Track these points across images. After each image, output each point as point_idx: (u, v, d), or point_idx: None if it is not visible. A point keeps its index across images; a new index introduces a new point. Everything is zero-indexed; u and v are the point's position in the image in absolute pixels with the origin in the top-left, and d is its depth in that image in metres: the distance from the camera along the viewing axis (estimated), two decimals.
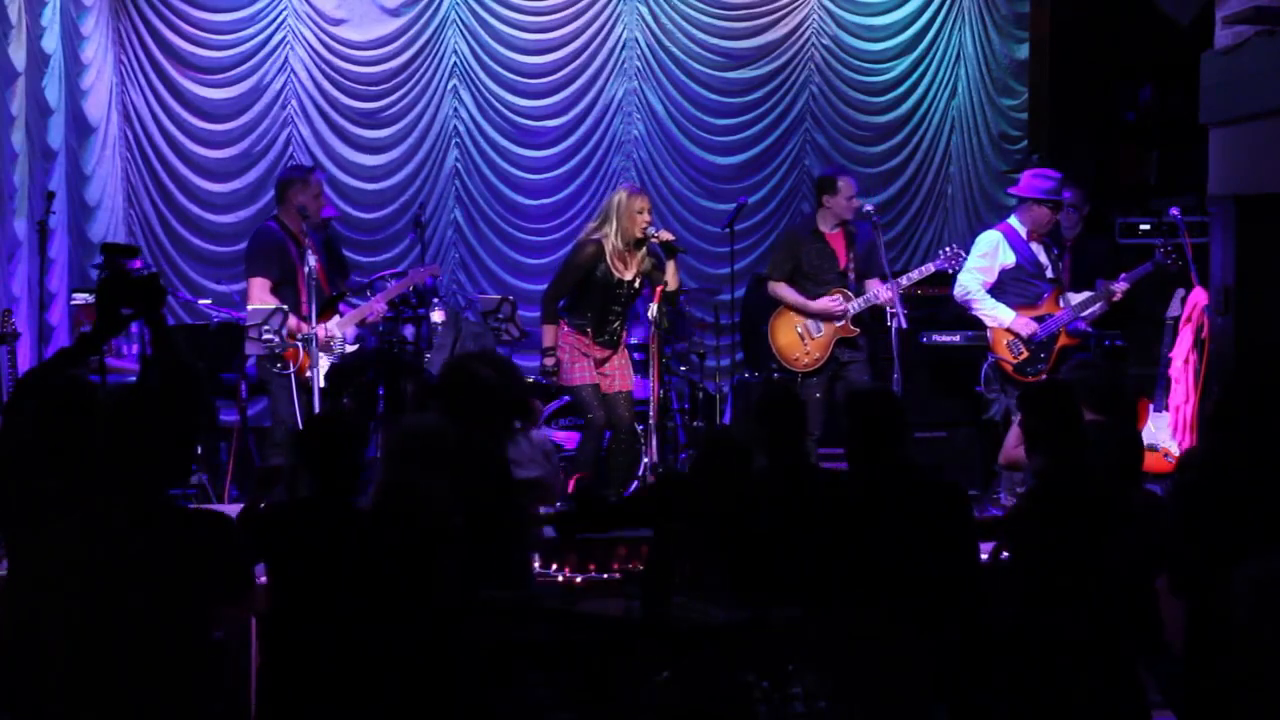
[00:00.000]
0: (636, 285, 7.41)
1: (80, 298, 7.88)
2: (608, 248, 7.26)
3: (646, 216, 7.31)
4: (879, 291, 7.54)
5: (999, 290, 7.51)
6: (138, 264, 7.94)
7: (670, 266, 7.35)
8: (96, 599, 3.33)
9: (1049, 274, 7.57)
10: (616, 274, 7.29)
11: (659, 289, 7.62)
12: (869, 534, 4.59)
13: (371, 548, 4.29)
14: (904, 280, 7.50)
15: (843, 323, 7.58)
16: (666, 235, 7.38)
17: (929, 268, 7.63)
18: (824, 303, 7.59)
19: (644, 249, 7.37)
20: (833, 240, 7.67)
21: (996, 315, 7.45)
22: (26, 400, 3.84)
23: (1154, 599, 4.95)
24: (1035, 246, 7.56)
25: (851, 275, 7.65)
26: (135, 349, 7.98)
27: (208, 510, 3.56)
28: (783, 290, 7.70)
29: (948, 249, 7.69)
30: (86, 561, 3.35)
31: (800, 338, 7.64)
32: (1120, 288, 7.55)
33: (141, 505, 3.44)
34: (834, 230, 7.68)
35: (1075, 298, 7.62)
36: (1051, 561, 4.51)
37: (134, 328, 7.53)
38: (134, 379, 7.73)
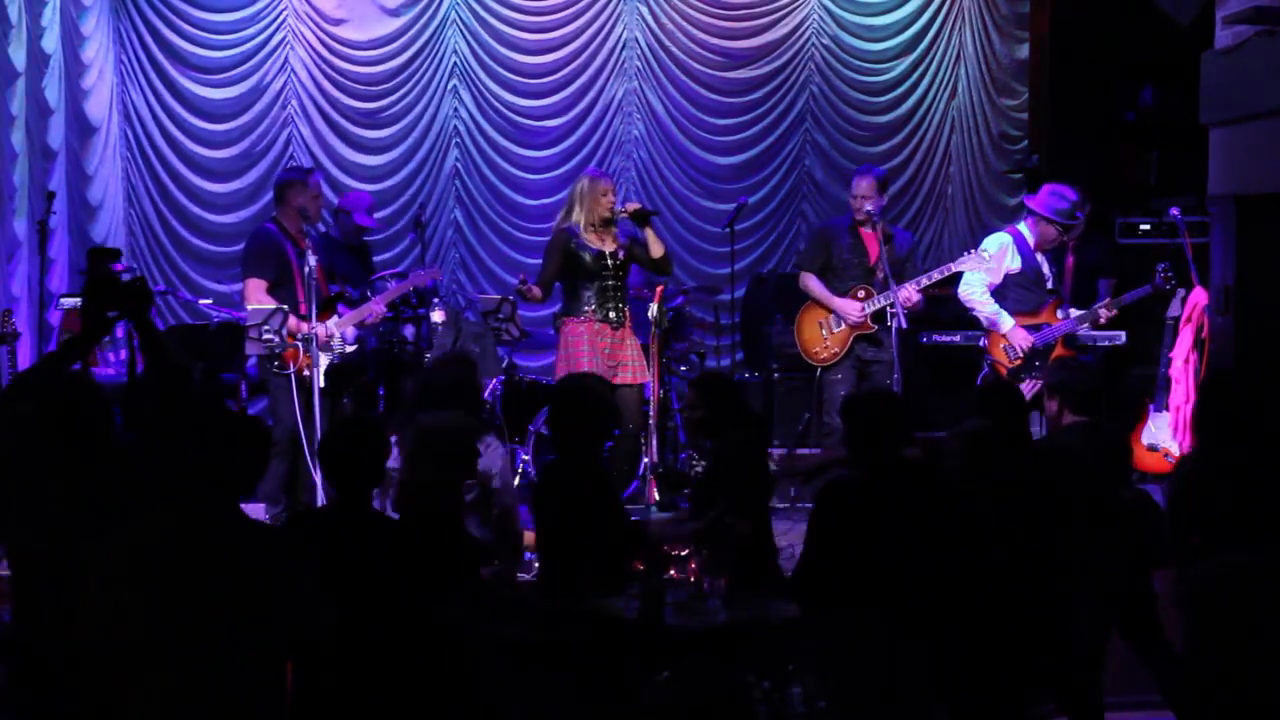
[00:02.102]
0: (621, 256, 7.40)
1: (68, 302, 7.86)
2: (577, 229, 7.31)
3: (611, 197, 7.38)
4: (900, 292, 7.45)
5: (1001, 295, 7.49)
6: (119, 266, 7.95)
7: (649, 235, 7.38)
8: (170, 610, 3.25)
9: (1049, 285, 7.55)
10: (595, 246, 7.31)
11: (659, 289, 7.61)
12: (869, 534, 4.59)
13: (388, 554, 4.28)
14: (923, 280, 7.47)
15: (861, 320, 7.56)
16: (633, 205, 7.48)
17: (949, 267, 7.57)
18: (842, 303, 7.58)
19: (614, 228, 7.39)
20: (867, 237, 7.64)
21: (997, 321, 7.43)
22: (21, 403, 3.81)
23: (1152, 599, 4.96)
24: (1040, 256, 7.55)
25: (880, 274, 7.57)
26: (124, 354, 7.94)
27: (279, 529, 3.48)
28: (810, 283, 7.70)
29: (969, 252, 7.60)
30: (160, 572, 3.27)
31: (821, 332, 7.66)
32: (1105, 316, 7.51)
33: (216, 516, 3.37)
34: (872, 230, 7.64)
35: (1073, 312, 7.60)
36: (1041, 560, 4.52)
37: (119, 332, 7.53)
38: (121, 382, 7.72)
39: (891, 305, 7.43)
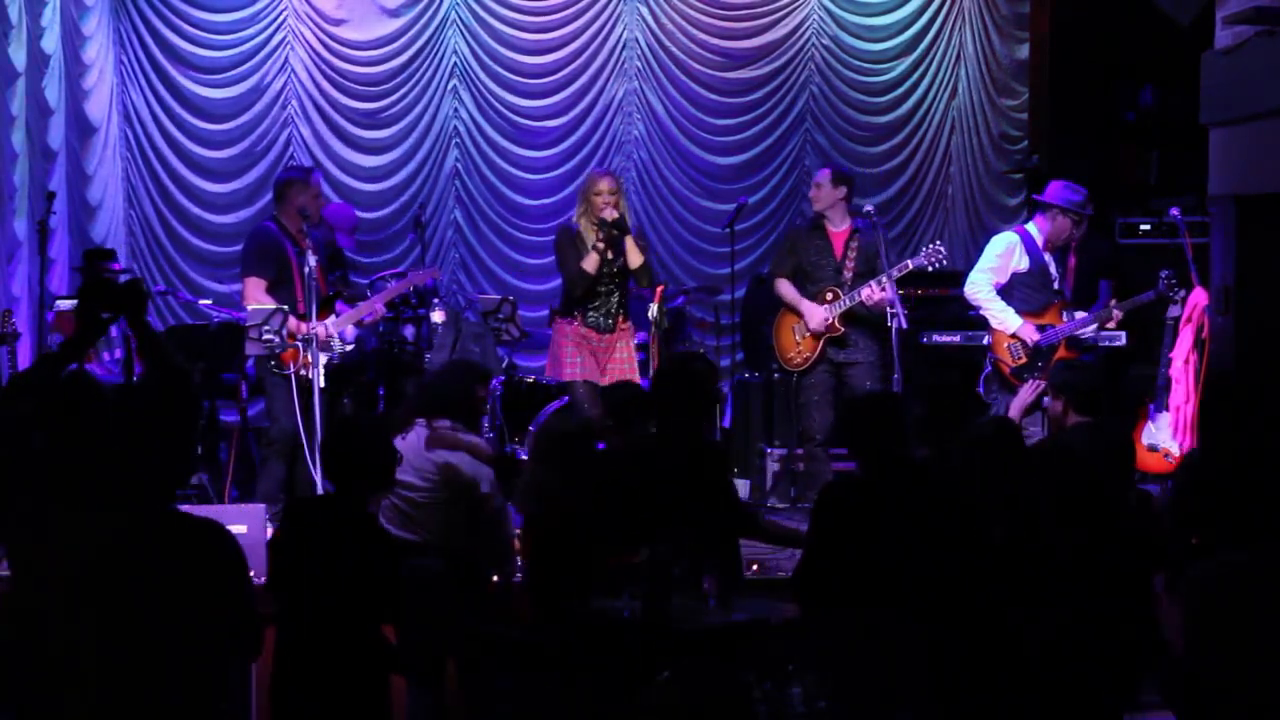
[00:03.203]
0: (620, 263, 7.37)
1: (64, 304, 7.84)
2: (580, 227, 7.28)
3: (604, 199, 7.26)
4: (862, 290, 7.47)
5: (1007, 295, 7.45)
6: (116, 265, 7.95)
7: (627, 243, 7.28)
8: (101, 608, 3.25)
9: (1055, 285, 7.52)
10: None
11: (659, 289, 7.60)
12: (869, 534, 4.60)
13: (368, 550, 4.29)
14: (883, 278, 7.43)
15: (823, 331, 7.56)
16: (612, 213, 7.27)
17: (908, 264, 7.54)
18: (807, 308, 7.58)
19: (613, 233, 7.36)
20: (833, 236, 7.65)
21: (1004, 320, 7.40)
22: (20, 403, 3.81)
23: (1152, 599, 4.96)
24: (1048, 256, 7.51)
25: (847, 273, 7.59)
26: (119, 354, 7.94)
27: (211, 521, 3.47)
28: (782, 288, 7.71)
29: (929, 246, 7.61)
30: (91, 570, 3.26)
31: (794, 336, 7.66)
32: (1116, 317, 7.49)
33: (148, 512, 3.36)
34: (838, 228, 7.65)
35: (1078, 314, 7.57)
36: (1046, 561, 4.51)
37: (115, 333, 7.54)
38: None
39: (892, 306, 7.40)
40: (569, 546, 4.85)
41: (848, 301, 7.51)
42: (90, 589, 3.23)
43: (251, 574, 3.49)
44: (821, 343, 7.59)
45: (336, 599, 4.22)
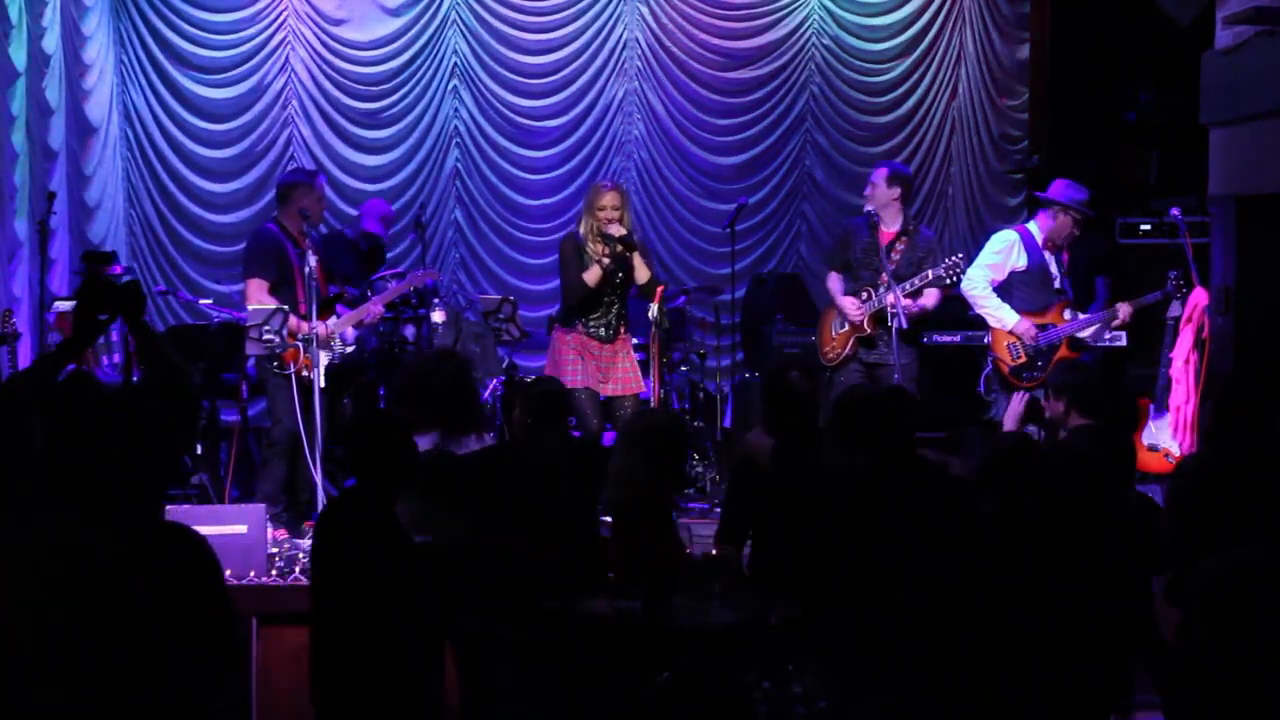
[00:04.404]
0: (621, 276, 7.31)
1: (62, 305, 7.81)
2: (585, 239, 7.20)
3: (607, 214, 7.07)
4: (886, 294, 7.42)
5: (1007, 294, 7.43)
6: (117, 269, 7.96)
7: (635, 259, 7.15)
8: (69, 616, 3.19)
9: (1056, 284, 7.49)
10: (598, 259, 7.22)
11: (659, 289, 7.57)
12: (871, 532, 4.60)
13: (389, 550, 4.30)
14: (906, 286, 7.39)
15: (858, 322, 7.52)
16: (618, 230, 7.08)
17: (927, 274, 7.50)
18: (843, 301, 7.56)
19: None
20: (884, 237, 7.60)
21: (1000, 317, 7.38)
22: (17, 404, 3.79)
23: (1151, 600, 4.96)
24: (1048, 255, 7.48)
25: (884, 275, 7.48)
26: (118, 358, 7.92)
27: (182, 527, 3.40)
28: (830, 281, 7.73)
29: (950, 259, 7.55)
30: (57, 576, 3.21)
31: (831, 331, 7.65)
32: (1125, 313, 7.43)
33: (125, 518, 3.31)
34: (890, 228, 7.61)
35: (1080, 314, 7.54)
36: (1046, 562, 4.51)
37: (114, 336, 7.54)
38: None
39: (892, 307, 7.39)
40: (657, 537, 4.90)
41: (875, 303, 7.46)
42: (57, 596, 3.18)
43: (236, 576, 3.42)
44: (852, 341, 7.56)
45: (367, 596, 4.23)
